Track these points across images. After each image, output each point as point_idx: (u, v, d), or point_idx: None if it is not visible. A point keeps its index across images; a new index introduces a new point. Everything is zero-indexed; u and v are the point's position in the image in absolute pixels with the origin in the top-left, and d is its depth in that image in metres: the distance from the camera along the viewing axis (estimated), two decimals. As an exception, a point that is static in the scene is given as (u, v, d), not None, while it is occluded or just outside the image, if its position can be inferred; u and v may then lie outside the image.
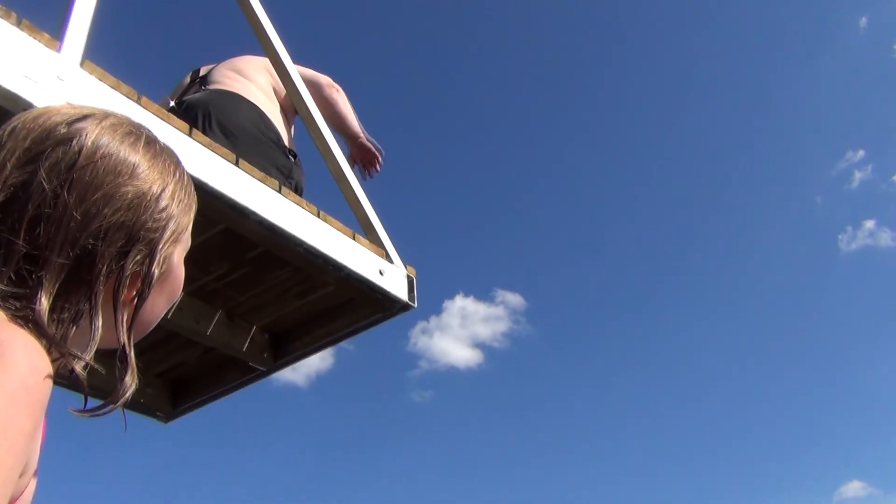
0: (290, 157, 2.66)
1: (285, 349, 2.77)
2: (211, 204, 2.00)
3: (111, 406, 0.72)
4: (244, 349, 2.68)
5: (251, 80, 2.70)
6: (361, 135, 2.85)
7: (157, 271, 0.75)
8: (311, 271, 2.41)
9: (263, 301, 2.64)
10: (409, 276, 2.56)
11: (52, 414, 0.66)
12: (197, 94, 2.63)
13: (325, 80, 2.81)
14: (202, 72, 2.82)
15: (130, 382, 0.73)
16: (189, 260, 2.43)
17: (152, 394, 2.95)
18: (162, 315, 0.82)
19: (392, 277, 2.48)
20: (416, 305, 2.56)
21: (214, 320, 2.62)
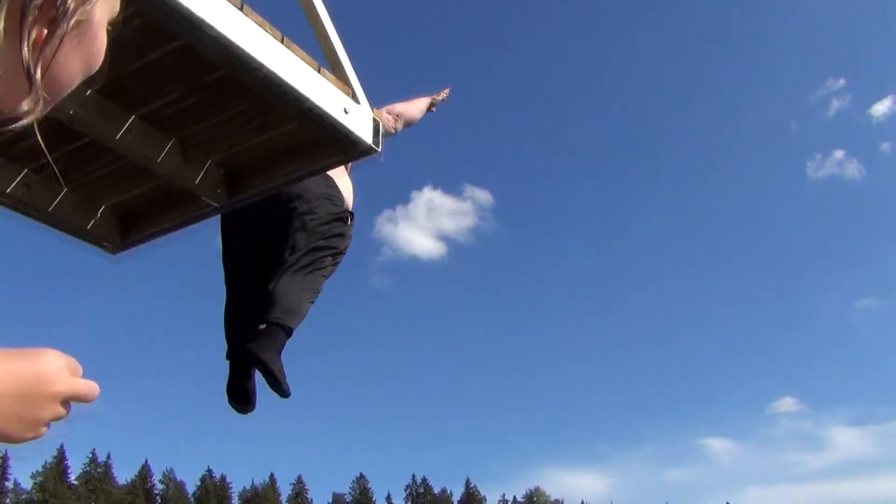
0: (348, 217, 3.07)
1: (241, 186, 2.66)
2: (166, 14, 1.84)
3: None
4: (197, 182, 2.57)
5: None
6: (429, 100, 3.51)
7: (72, 4, 0.62)
8: (272, 103, 2.27)
9: (220, 133, 2.51)
10: (375, 120, 2.45)
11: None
12: None
13: (384, 118, 3.22)
14: None
15: (30, 106, 0.62)
16: (142, 78, 2.28)
17: (101, 223, 2.85)
18: (75, 82, 0.69)
19: (357, 118, 2.36)
20: (380, 151, 2.46)
21: (166, 149, 2.49)
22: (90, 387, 0.81)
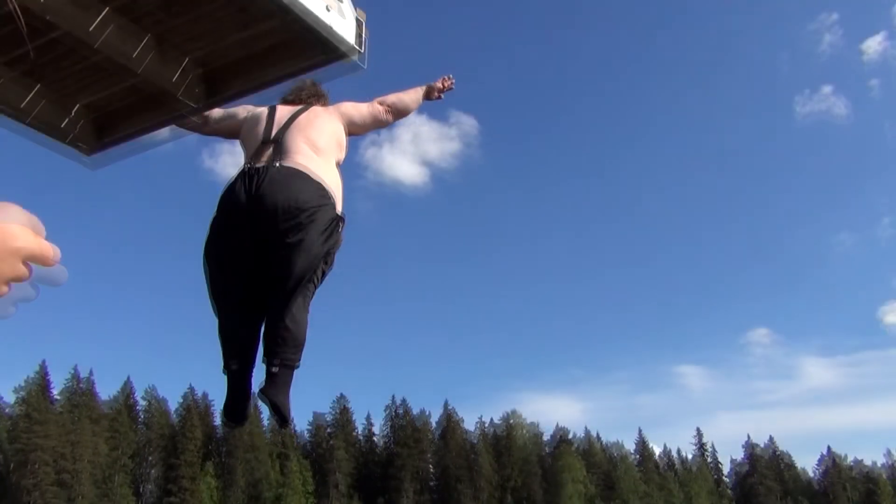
0: (340, 223, 3.03)
1: (220, 87, 2.60)
2: None
3: None
4: (174, 80, 2.50)
5: (320, 155, 3.02)
6: (423, 89, 3.42)
7: None
8: (252, -3, 2.20)
9: (199, 29, 2.43)
10: (358, 20, 2.38)
11: None
12: (269, 173, 2.86)
13: (375, 109, 3.32)
14: (274, 129, 3.01)
15: None
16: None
17: (75, 122, 2.78)
18: None
19: (340, 17, 2.29)
20: (363, 53, 2.40)
21: (142, 44, 2.41)
22: (52, 248, 0.79)
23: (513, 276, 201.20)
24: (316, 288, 2.97)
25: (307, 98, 3.24)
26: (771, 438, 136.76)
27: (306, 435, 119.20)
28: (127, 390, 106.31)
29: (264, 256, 2.91)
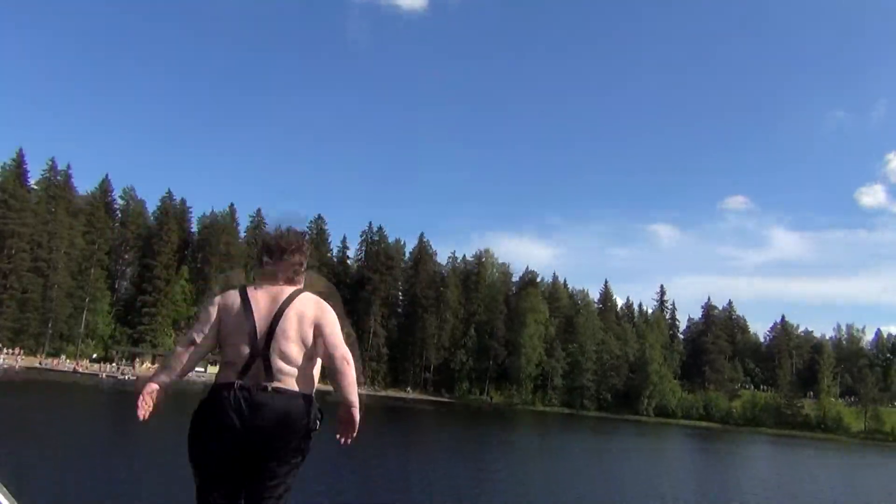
0: (317, 421, 3.23)
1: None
2: None
3: None
4: None
5: (307, 366, 3.20)
6: (355, 404, 3.14)
7: None
8: None
9: None
10: None
11: None
12: (263, 399, 3.08)
13: (340, 352, 3.15)
14: (259, 338, 3.14)
15: None
16: None
17: None
18: None
19: None
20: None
21: None
22: None
23: (501, 116, 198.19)
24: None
25: (291, 266, 3.27)
26: (730, 302, 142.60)
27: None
28: (105, 187, 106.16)
29: (251, 463, 3.10)
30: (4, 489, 3.49)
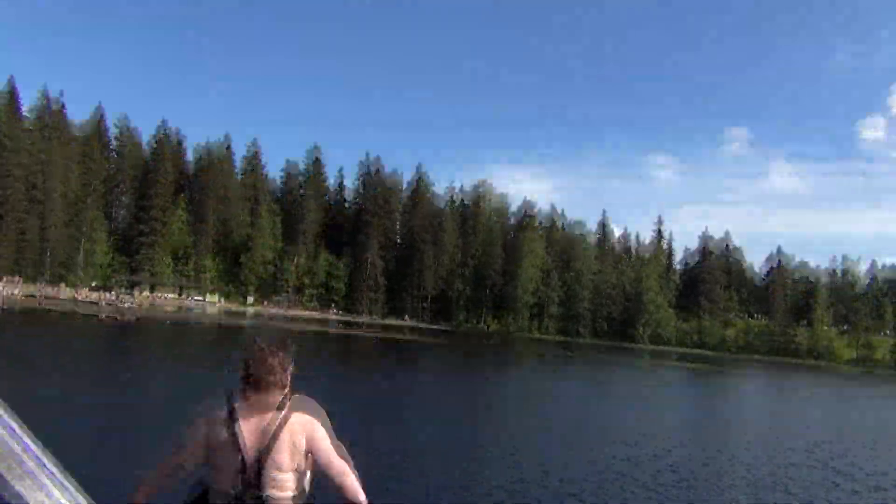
0: None
1: None
2: None
3: None
4: None
5: (298, 490, 3.27)
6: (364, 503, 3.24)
7: None
8: None
9: None
10: None
11: None
12: None
13: (336, 470, 3.23)
14: (249, 472, 3.16)
15: None
16: None
17: None
18: None
19: None
20: None
21: None
22: None
23: (511, 49, 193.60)
24: None
25: (278, 394, 3.18)
26: (727, 233, 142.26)
27: (278, 182, 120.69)
28: (98, 116, 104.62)
29: None
30: (12, 423, 3.62)
